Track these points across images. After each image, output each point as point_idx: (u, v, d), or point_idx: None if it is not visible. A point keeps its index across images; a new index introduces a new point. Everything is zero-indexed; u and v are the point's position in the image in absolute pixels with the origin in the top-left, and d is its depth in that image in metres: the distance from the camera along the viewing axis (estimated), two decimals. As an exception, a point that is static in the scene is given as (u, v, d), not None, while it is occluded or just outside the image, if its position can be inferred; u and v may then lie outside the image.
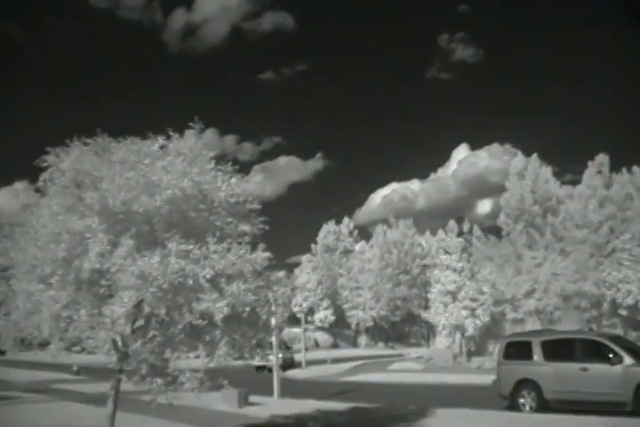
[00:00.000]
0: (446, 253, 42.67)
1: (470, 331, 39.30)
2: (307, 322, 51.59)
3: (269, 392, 23.06)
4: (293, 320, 63.67)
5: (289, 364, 43.84)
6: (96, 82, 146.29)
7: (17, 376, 41.46)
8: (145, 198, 9.95)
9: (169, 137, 11.06)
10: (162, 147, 10.99)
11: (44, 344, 11.40)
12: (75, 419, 17.87)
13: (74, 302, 10.13)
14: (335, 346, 71.66)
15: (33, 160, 10.64)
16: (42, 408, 21.66)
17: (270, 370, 41.16)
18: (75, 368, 41.56)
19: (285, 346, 49.47)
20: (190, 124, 11.21)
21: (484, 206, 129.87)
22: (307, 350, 46.66)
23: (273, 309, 12.08)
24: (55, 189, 10.51)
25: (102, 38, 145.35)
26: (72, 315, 10.17)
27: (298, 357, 45.56)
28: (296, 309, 63.07)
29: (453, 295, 39.99)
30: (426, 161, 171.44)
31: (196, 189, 10.62)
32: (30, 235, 10.27)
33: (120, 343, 10.92)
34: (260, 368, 39.30)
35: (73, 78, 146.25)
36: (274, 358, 23.61)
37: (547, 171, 55.92)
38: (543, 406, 17.27)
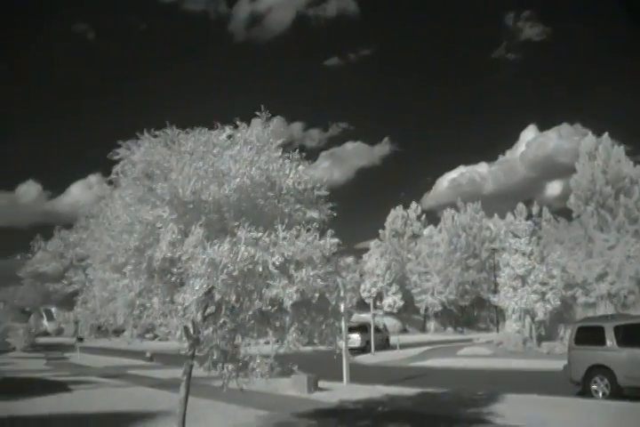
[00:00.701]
0: (515, 236, 42.15)
1: (540, 315, 38.83)
2: (375, 307, 51.66)
3: (339, 378, 23.28)
4: (362, 306, 63.92)
5: (382, 345, 44.53)
6: (165, 75, 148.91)
7: (94, 362, 42.87)
8: (214, 187, 10.11)
9: (236, 126, 11.20)
10: (229, 136, 11.14)
11: (118, 331, 11.81)
12: (149, 403, 18.37)
13: (147, 291, 10.39)
14: (404, 331, 71.65)
15: (105, 154, 10.96)
16: (117, 393, 22.33)
17: (363, 350, 44.06)
18: (148, 355, 42.64)
19: (380, 328, 51.07)
20: (257, 113, 11.34)
21: (554, 188, 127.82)
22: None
23: (342, 294, 12.16)
24: (127, 180, 10.76)
25: (169, 32, 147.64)
26: (145, 303, 10.46)
27: (392, 339, 45.98)
28: (365, 294, 63.29)
29: (523, 279, 39.57)
30: (493, 143, 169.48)
31: (264, 177, 10.74)
32: (104, 226, 10.55)
33: (192, 330, 11.19)
34: (352, 350, 40.82)
35: (142, 73, 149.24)
36: (343, 343, 23.75)
37: (619, 150, 54.69)
38: (616, 392, 17.03)
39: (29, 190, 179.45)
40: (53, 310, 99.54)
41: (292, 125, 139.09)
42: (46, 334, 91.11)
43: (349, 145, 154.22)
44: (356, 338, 43.10)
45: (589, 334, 18.38)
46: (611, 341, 17.60)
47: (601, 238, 48.28)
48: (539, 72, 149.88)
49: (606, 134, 55.24)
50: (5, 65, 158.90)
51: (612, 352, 17.40)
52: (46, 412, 17.23)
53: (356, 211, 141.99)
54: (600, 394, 17.44)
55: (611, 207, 51.82)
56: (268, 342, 11.52)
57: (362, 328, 45.51)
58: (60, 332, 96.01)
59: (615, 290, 45.20)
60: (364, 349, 43.35)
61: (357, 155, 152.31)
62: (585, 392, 17.83)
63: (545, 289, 38.80)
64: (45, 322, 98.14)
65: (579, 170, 55.75)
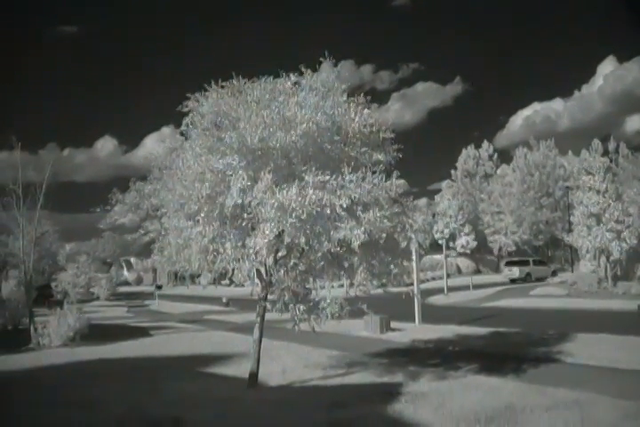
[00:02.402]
0: (589, 173, 41.28)
1: (616, 254, 38.13)
2: (448, 248, 51.80)
3: (411, 319, 23.68)
4: (435, 247, 63.89)
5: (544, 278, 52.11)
6: (228, 26, 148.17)
7: (173, 308, 44.35)
8: (281, 134, 10.34)
9: (302, 73, 11.38)
10: (295, 83, 11.33)
11: (195, 277, 12.29)
12: (225, 346, 19.14)
13: (220, 236, 10.76)
14: (477, 272, 71.58)
15: (177, 106, 11.29)
16: (196, 337, 23.25)
17: (524, 280, 50.89)
18: (224, 300, 43.77)
19: (543, 261, 59.84)
20: (321, 58, 11.47)
21: (633, 123, 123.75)
22: (449, 276, 46.96)
23: (410, 235, 12.35)
24: (197, 131, 11.11)
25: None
26: (218, 248, 10.85)
27: (466, 280, 47.18)
28: (437, 235, 62.88)
29: (597, 218, 38.88)
30: (569, 78, 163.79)
31: (330, 122, 10.94)
32: (177, 176, 10.91)
33: (264, 273, 11.65)
34: (513, 281, 51.97)
35: (206, 25, 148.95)
36: (416, 284, 23.89)
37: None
38: None
39: (106, 145, 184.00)
40: (132, 260, 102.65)
41: (361, 68, 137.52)
42: (127, 283, 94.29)
43: (420, 86, 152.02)
44: (515, 270, 53.65)
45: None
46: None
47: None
48: None
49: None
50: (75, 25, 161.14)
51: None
52: (131, 355, 18.22)
53: (429, 152, 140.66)
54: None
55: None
56: (342, 286, 11.83)
57: (522, 262, 55.88)
58: (139, 281, 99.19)
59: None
60: (524, 279, 52.30)
61: (429, 95, 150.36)
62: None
63: (621, 227, 37.97)
64: (125, 272, 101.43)
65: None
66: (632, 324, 19.48)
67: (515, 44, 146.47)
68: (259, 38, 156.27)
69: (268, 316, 12.36)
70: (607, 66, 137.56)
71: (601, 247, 38.33)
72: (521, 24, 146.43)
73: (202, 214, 10.59)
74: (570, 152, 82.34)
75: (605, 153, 75.83)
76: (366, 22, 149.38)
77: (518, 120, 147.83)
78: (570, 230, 47.91)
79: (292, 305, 11.35)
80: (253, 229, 10.56)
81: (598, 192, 39.11)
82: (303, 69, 11.36)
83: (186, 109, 11.22)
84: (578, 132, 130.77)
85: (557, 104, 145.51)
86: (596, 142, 75.75)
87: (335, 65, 11.57)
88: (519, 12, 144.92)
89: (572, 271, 51.06)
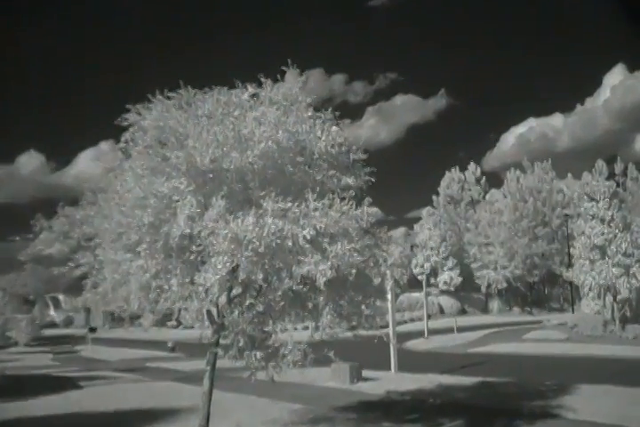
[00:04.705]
0: (592, 199, 41.81)
1: (624, 293, 38.32)
2: (429, 285, 52.14)
3: (385, 366, 23.74)
4: (414, 284, 64.28)
5: None
6: (181, 28, 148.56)
7: (109, 355, 43.90)
8: (236, 154, 10.42)
9: (261, 84, 11.48)
10: (253, 96, 11.45)
11: (134, 318, 12.24)
12: (170, 399, 19.03)
13: (164, 271, 10.77)
14: (463, 312, 71.93)
15: (118, 118, 11.24)
16: (135, 388, 23.07)
17: None
18: (170, 345, 43.50)
19: None
20: (284, 67, 11.59)
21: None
22: (429, 317, 47.21)
23: (384, 270, 12.43)
24: (138, 149, 11.11)
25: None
26: (162, 285, 10.84)
27: (449, 321, 46.31)
28: (417, 270, 63.57)
29: (602, 250, 39.29)
30: (571, 90, 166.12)
31: (293, 141, 11.03)
32: (114, 200, 10.92)
33: (215, 314, 11.67)
34: None
35: (156, 27, 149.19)
36: (391, 327, 24.09)
37: None
38: None
39: (31, 161, 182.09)
40: (60, 297, 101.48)
41: (332, 78, 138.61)
42: (53, 325, 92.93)
43: (399, 99, 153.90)
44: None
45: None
46: None
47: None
48: None
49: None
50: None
51: None
52: (55, 412, 17.89)
53: (407, 175, 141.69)
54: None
55: None
56: (307, 328, 11.88)
57: None
58: (69, 322, 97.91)
59: None
60: None
61: (408, 110, 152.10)
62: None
63: (629, 261, 38.25)
64: (52, 311, 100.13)
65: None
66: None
67: (508, 51, 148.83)
68: (216, 44, 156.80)
69: (219, 363, 12.33)
70: (615, 76, 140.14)
71: (606, 284, 38.59)
72: (515, 29, 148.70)
73: (143, 246, 10.56)
74: (569, 175, 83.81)
75: (611, 176, 77.02)
76: (338, 25, 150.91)
77: (510, 138, 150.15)
78: (570, 265, 48.46)
79: (247, 351, 11.32)
80: (203, 263, 10.55)
81: (603, 221, 39.53)
82: (263, 79, 11.48)
83: (126, 123, 11.20)
84: (579, 151, 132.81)
85: (556, 120, 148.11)
86: (601, 164, 76.98)
87: (300, 74, 11.73)
88: (513, 15, 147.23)
89: (573, 312, 51.58)
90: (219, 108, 10.90)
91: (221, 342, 11.85)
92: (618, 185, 65.72)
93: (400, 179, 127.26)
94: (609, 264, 38.22)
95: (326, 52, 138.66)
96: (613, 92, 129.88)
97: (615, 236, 38.89)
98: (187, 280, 10.73)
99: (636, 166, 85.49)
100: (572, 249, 46.55)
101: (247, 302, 11.47)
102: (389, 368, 23.67)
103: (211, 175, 10.67)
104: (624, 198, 66.22)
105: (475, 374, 22.28)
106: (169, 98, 11.20)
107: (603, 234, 39.00)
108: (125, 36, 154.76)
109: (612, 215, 39.66)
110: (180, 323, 55.87)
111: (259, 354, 11.30)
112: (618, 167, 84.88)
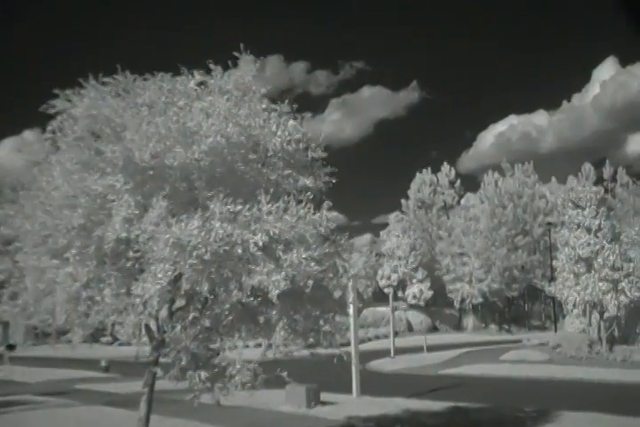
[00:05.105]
0: (577, 206, 42.05)
1: (612, 311, 38.54)
2: (396, 299, 52.14)
3: (347, 389, 23.66)
4: (380, 297, 64.32)
5: None
6: (118, 9, 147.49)
7: (31, 376, 43.09)
8: (180, 149, 10.31)
9: (209, 71, 11.38)
10: (200, 84, 11.34)
11: (62, 334, 11.93)
12: (103, 426, 18.74)
13: (96, 280, 10.62)
14: (433, 329, 72.12)
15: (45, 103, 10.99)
16: (60, 414, 22.67)
17: None
18: (103, 364, 42.92)
19: None
20: (235, 53, 11.47)
21: (636, 143, 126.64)
22: (396, 334, 47.22)
23: (345, 282, 12.35)
24: (67, 141, 10.93)
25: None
26: (94, 296, 10.66)
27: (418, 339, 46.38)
28: (383, 282, 63.63)
29: (588, 263, 39.48)
30: (556, 85, 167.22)
31: (245, 136, 10.96)
32: (39, 199, 10.75)
33: (155, 329, 11.50)
34: None
35: (82, 9, 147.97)
36: (353, 345, 23.98)
37: None
38: None
39: None
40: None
41: (291, 67, 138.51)
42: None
43: (366, 91, 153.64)
44: None
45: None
46: None
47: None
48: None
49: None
50: None
51: None
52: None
53: (374, 176, 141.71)
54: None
55: None
56: (259, 345, 11.75)
57: None
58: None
59: None
60: None
61: (376, 103, 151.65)
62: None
63: (618, 276, 38.38)
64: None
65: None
66: (635, 400, 19.70)
67: (487, 41, 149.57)
68: (161, 24, 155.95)
69: (159, 385, 12.18)
70: (606, 70, 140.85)
71: (592, 301, 38.70)
72: (496, 16, 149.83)
73: (72, 251, 10.38)
74: (553, 179, 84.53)
75: (599, 181, 77.82)
76: (300, 6, 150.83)
77: (489, 137, 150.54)
78: (552, 278, 48.65)
79: (190, 371, 11.19)
80: (142, 271, 10.41)
81: (589, 230, 39.76)
82: (212, 66, 11.36)
83: (53, 111, 10.99)
84: (565, 153, 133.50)
85: (540, 118, 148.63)
86: (588, 167, 77.82)
87: (255, 61, 11.61)
88: (493, 0, 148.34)
89: (556, 331, 51.82)
90: (161, 97, 10.78)
91: (161, 360, 11.72)
92: (606, 191, 66.48)
93: (366, 180, 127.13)
94: (595, 278, 38.34)
95: (285, 37, 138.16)
96: (603, 88, 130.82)
97: (602, 247, 39.06)
98: (122, 291, 10.58)
99: (627, 171, 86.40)
100: (554, 261, 46.66)
101: (191, 316, 11.33)
102: (351, 391, 23.55)
103: (151, 172, 10.52)
104: (613, 206, 66.92)
105: (446, 398, 22.24)
106: (104, 84, 11.03)
107: (589, 245, 39.20)
108: (55, 11, 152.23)
109: (600, 224, 39.85)
110: (115, 339, 55.25)
111: (203, 374, 11.17)
112: (606, 171, 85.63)
